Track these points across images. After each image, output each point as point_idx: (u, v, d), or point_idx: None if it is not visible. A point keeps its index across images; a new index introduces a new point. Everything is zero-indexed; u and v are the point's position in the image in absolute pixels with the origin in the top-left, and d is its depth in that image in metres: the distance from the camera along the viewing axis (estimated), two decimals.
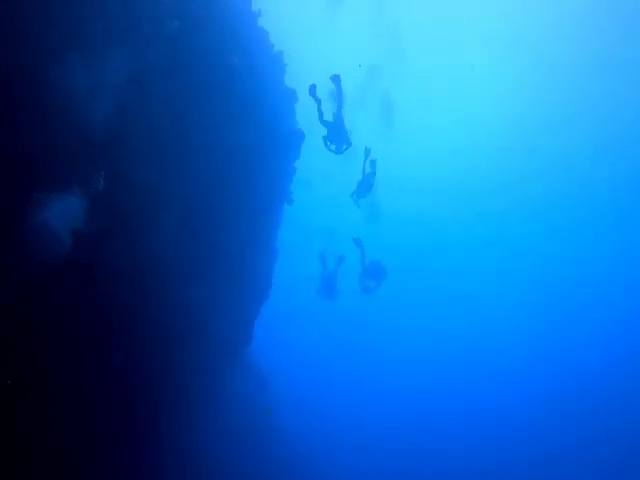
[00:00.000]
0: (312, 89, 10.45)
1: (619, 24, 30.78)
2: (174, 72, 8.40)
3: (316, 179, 31.40)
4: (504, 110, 39.16)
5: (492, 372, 40.97)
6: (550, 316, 44.15)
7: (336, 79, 10.62)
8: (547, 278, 45.35)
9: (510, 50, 35.29)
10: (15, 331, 5.82)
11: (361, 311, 35.21)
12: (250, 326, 14.20)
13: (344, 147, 11.64)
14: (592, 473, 30.75)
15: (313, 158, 16.79)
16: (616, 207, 40.84)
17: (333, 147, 11.67)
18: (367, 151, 12.57)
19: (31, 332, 6.07)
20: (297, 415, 24.59)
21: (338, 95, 10.87)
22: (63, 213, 5.82)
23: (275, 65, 12.21)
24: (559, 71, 35.56)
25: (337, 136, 11.52)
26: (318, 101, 10.66)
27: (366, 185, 13.17)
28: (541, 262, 45.45)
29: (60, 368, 6.62)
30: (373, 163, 12.64)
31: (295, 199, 14.86)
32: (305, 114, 14.00)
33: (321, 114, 11.01)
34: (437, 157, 42.82)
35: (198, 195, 9.83)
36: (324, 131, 11.52)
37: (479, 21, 34.50)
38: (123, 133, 7.08)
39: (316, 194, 35.91)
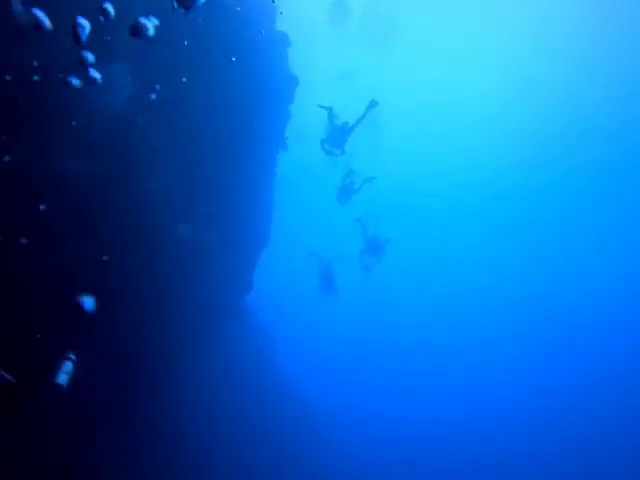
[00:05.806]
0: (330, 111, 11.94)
1: None
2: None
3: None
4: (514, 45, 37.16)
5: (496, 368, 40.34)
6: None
7: (373, 104, 11.50)
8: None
9: None
10: None
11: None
12: (249, 272, 14.47)
13: (338, 152, 12.40)
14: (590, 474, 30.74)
15: None
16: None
17: (327, 147, 12.42)
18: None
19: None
20: (295, 360, 24.80)
21: (362, 116, 11.67)
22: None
23: (267, 9, 12.21)
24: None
25: (336, 142, 12.31)
26: (329, 112, 12.00)
27: (349, 191, 14.54)
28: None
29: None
30: (371, 179, 14.33)
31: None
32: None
33: (332, 119, 12.03)
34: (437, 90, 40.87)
35: (194, 137, 9.98)
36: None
37: None
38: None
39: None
